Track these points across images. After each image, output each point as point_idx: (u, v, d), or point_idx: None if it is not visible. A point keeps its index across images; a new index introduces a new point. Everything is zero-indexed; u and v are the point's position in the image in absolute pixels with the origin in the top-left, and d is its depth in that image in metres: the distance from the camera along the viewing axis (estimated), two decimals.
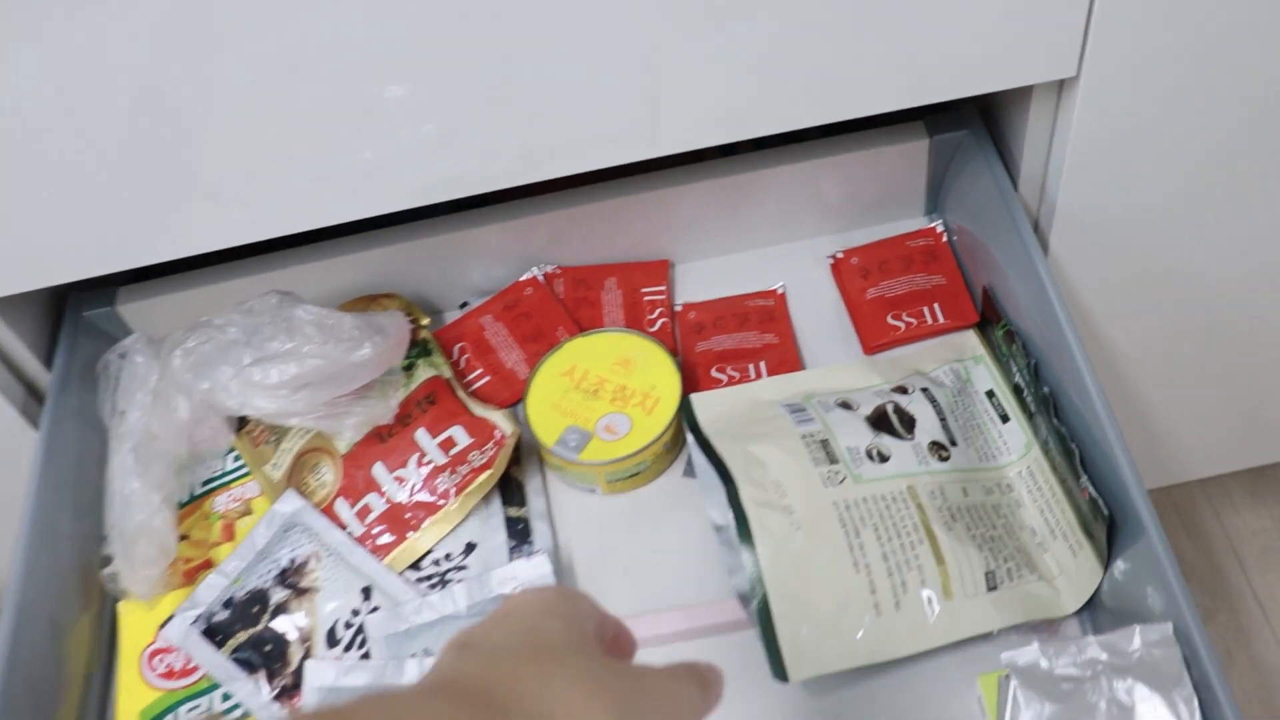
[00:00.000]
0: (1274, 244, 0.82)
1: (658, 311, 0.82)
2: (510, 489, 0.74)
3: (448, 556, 0.72)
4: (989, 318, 0.78)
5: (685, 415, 0.73)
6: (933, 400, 0.73)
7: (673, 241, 0.84)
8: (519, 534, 0.72)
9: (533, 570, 0.68)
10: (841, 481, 0.67)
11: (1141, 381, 0.94)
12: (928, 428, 0.71)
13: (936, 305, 0.80)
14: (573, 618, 0.39)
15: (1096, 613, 0.65)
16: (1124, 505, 0.63)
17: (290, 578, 0.71)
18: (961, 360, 0.77)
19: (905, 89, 0.66)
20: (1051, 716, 0.56)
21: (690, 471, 0.74)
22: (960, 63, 0.65)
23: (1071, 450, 0.66)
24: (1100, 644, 0.58)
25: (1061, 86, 0.69)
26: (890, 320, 0.79)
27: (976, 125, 0.79)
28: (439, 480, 0.72)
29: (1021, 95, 0.72)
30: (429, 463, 0.73)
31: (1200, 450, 1.07)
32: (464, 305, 0.85)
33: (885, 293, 0.81)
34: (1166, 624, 0.58)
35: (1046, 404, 0.69)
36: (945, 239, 0.83)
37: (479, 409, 0.75)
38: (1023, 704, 0.57)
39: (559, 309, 0.82)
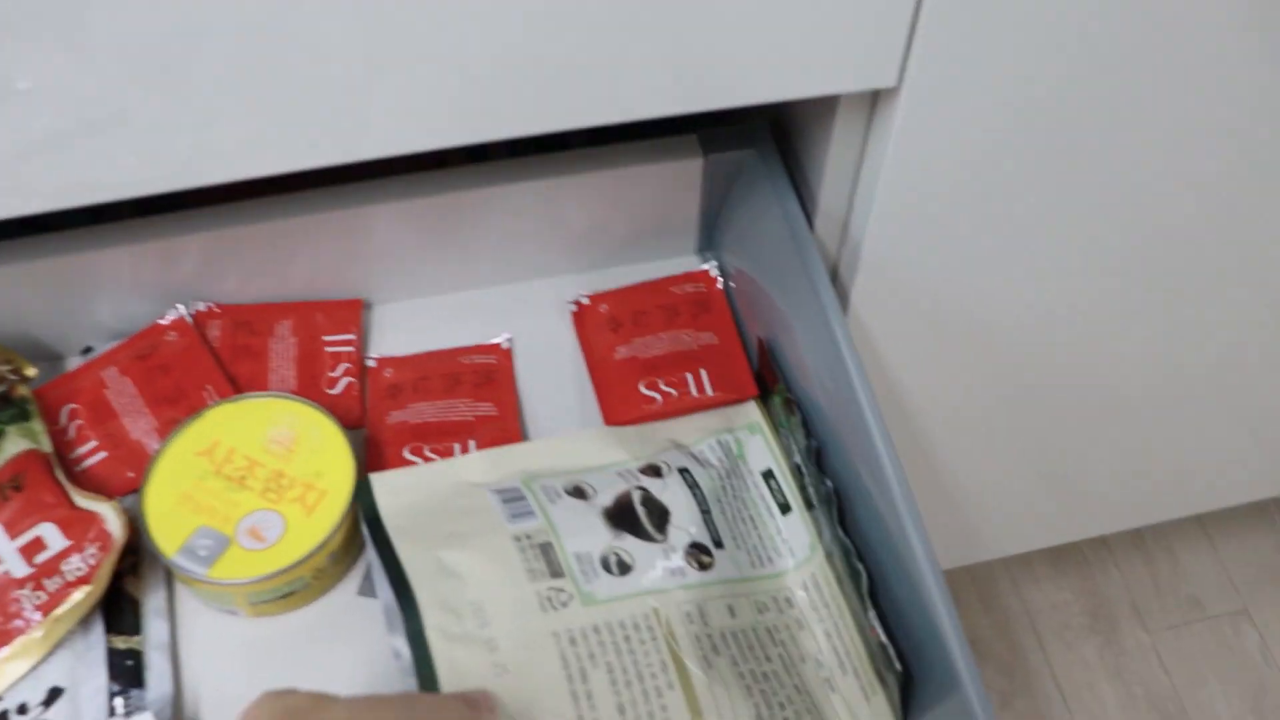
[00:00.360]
0: (1095, 295, 0.74)
1: (342, 368, 0.66)
2: (120, 609, 0.58)
3: (21, 709, 0.56)
4: (765, 379, 0.62)
5: (363, 502, 0.55)
6: (693, 485, 0.58)
7: (368, 275, 0.70)
8: (127, 674, 0.56)
9: None
10: (566, 604, 0.52)
11: (947, 454, 0.88)
12: (685, 524, 0.56)
13: (704, 372, 0.64)
14: (313, 694, 0.42)
15: None
16: (929, 647, 0.49)
17: None
18: (733, 430, 0.62)
19: (671, 93, 0.54)
20: None
21: (369, 589, 0.56)
22: (745, 61, 0.53)
23: (858, 571, 0.51)
24: None
25: (876, 99, 0.58)
26: (643, 389, 0.63)
27: (765, 144, 0.67)
28: (17, 598, 0.56)
29: (824, 108, 0.61)
30: (3, 573, 0.57)
31: (1006, 528, 1.03)
32: (88, 351, 0.65)
33: (640, 353, 0.65)
34: None
35: (829, 504, 0.54)
36: (720, 285, 0.69)
37: (83, 499, 0.59)
38: None
39: (209, 361, 0.64)
